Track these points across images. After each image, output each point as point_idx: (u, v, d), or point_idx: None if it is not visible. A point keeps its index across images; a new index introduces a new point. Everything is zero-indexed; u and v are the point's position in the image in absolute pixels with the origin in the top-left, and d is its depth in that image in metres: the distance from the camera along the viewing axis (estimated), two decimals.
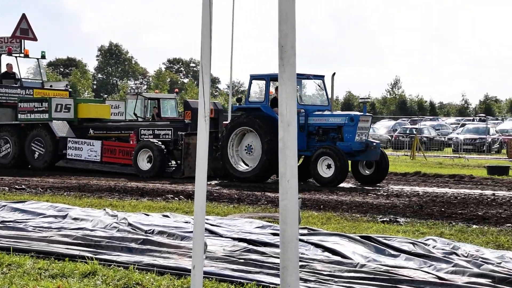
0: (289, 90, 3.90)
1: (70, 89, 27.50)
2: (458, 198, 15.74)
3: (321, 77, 20.36)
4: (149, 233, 9.18)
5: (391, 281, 6.78)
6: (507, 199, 15.70)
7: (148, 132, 21.74)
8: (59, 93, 25.29)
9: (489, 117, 55.24)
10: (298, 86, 19.28)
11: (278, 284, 4.54)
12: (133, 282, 6.73)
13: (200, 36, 5.11)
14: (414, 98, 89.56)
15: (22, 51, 24.47)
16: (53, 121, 22.32)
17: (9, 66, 24.94)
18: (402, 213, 13.00)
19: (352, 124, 18.83)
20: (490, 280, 6.81)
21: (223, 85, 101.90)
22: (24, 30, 24.30)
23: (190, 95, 69.03)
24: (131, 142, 21.56)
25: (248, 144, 19.54)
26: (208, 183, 16.61)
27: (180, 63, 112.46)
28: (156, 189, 17.00)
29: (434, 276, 7.02)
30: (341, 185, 18.57)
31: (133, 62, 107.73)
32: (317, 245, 8.43)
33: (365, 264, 7.47)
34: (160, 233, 9.18)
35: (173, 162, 21.99)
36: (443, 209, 13.57)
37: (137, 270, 7.19)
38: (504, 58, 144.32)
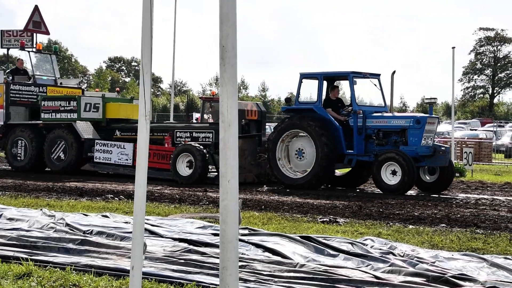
0: (230, 90, 3.89)
1: (82, 87, 26.18)
2: (396, 199, 15.90)
3: (377, 76, 19.22)
4: (88, 233, 9.09)
5: (330, 281, 6.83)
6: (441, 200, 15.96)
7: (185, 135, 20.41)
8: (72, 91, 23.84)
9: None
10: (354, 86, 18.15)
11: (218, 285, 4.51)
12: (70, 284, 6.64)
13: (141, 35, 5.06)
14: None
15: (34, 45, 23.32)
16: (77, 121, 20.86)
17: (19, 61, 23.69)
18: (342, 214, 13.09)
19: (418, 127, 17.60)
20: (425, 279, 6.91)
21: (165, 84, 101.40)
22: (36, 23, 23.27)
23: (131, 94, 68.64)
24: (165, 145, 20.19)
25: (299, 148, 18.39)
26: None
27: (122, 62, 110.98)
28: (96, 189, 16.79)
29: (371, 275, 7.09)
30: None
31: (73, 60, 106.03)
32: (257, 245, 8.46)
33: (304, 264, 7.51)
34: (99, 233, 9.11)
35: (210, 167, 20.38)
36: (381, 210, 13.71)
37: (74, 271, 7.10)
38: (439, 62, 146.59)
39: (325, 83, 18.74)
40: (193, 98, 73.25)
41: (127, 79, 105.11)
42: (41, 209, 11.16)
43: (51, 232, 9.19)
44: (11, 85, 22.02)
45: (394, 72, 19.36)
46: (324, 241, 8.70)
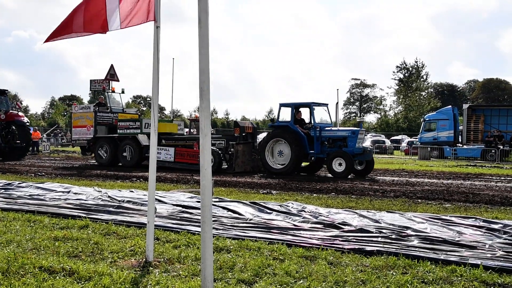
0: (206, 115, 3.99)
1: (139, 113, 25.93)
2: (306, 178, 16.01)
3: (325, 105, 18.90)
4: (122, 202, 9.06)
5: (267, 228, 6.95)
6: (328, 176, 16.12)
7: None
8: (133, 116, 23.96)
9: None
10: (313, 111, 17.97)
11: (200, 232, 4.63)
12: (112, 231, 6.70)
13: (152, 84, 5.17)
14: None
15: (110, 89, 23.47)
16: (139, 134, 20.73)
17: (100, 98, 23.83)
18: (274, 188, 13.12)
19: (354, 136, 17.34)
20: (322, 225, 7.07)
21: (167, 111, 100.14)
22: (111, 75, 23.35)
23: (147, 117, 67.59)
24: (194, 149, 19.72)
25: (280, 150, 17.99)
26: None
27: (141, 98, 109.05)
28: (127, 174, 16.68)
29: (291, 224, 7.23)
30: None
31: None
32: (224, 208, 8.51)
33: (252, 219, 7.60)
34: (128, 201, 9.07)
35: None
36: (297, 185, 13.78)
37: (114, 224, 7.15)
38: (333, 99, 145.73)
39: (287, 109, 18.52)
40: (184, 120, 72.81)
41: (144, 108, 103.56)
42: (93, 187, 11.11)
43: (99, 201, 9.18)
44: (97, 113, 22.43)
45: (337, 103, 19.84)
46: (264, 204, 8.75)
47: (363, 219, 7.49)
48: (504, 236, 6.32)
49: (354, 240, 6.17)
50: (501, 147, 30.80)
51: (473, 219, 7.39)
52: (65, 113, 75.38)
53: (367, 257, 5.42)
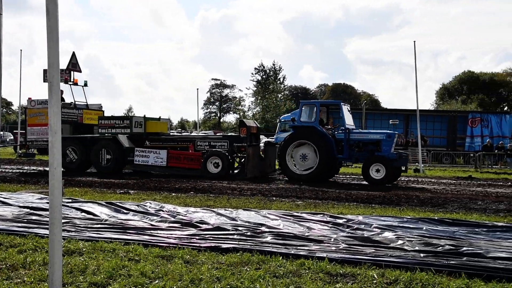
0: (55, 110, 3.80)
1: (103, 109, 22.10)
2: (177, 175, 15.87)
3: (348, 105, 17.07)
4: None
5: (123, 228, 6.81)
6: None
7: (204, 143, 17.18)
8: (98, 112, 20.62)
9: None
10: (343, 111, 15.92)
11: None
12: None
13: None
14: None
15: (72, 80, 19.86)
16: (119, 135, 17.74)
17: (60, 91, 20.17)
18: (132, 188, 12.82)
19: (390, 140, 15.59)
20: (180, 225, 7.09)
21: (14, 106, 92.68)
22: (74, 64, 19.81)
23: None
24: (190, 151, 17.25)
25: (303, 153, 15.90)
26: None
27: None
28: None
29: (149, 224, 7.17)
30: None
31: None
32: (77, 209, 8.20)
33: (107, 219, 7.41)
34: None
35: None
36: (156, 184, 13.63)
37: None
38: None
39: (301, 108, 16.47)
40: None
41: None
42: None
43: None
44: (62, 109, 19.03)
45: (365, 102, 17.44)
46: (120, 204, 8.60)
47: (220, 217, 7.65)
48: (347, 230, 6.86)
49: (211, 238, 6.26)
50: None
51: (321, 215, 7.92)
52: None
53: (223, 255, 5.53)
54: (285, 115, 40.52)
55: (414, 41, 21.65)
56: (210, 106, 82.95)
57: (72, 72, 19.75)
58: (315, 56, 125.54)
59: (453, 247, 5.69)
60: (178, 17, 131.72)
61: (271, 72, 69.71)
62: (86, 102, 20.73)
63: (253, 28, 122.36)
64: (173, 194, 11.57)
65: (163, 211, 8.21)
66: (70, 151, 18.10)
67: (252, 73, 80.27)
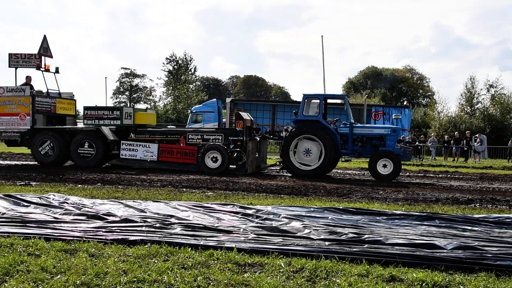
0: None
1: (75, 99, 19.61)
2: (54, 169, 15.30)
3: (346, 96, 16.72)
4: None
5: (23, 222, 6.49)
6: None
7: (196, 137, 16.37)
8: (71, 102, 18.79)
9: None
10: (348, 104, 15.67)
11: None
12: None
13: None
14: None
15: (44, 67, 17.69)
16: (102, 126, 16.26)
17: (28, 78, 17.61)
18: (35, 180, 12.21)
19: (394, 134, 15.34)
20: (86, 217, 6.84)
21: None
22: (45, 49, 17.60)
23: None
24: (181, 145, 16.10)
25: (306, 148, 15.39)
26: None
27: None
28: None
29: (52, 217, 6.86)
30: None
31: None
32: None
33: (5, 213, 6.98)
34: None
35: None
36: (61, 176, 13.08)
37: None
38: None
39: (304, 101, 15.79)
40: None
41: None
42: None
43: None
44: (36, 97, 17.05)
45: (367, 95, 17.43)
46: (20, 197, 8.14)
47: (128, 209, 7.47)
48: (256, 220, 6.96)
49: (118, 230, 6.09)
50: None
51: (231, 206, 7.97)
52: None
53: (130, 247, 5.40)
54: (197, 106, 40.36)
55: (322, 36, 22.51)
56: (120, 96, 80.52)
57: (43, 57, 18.17)
58: (227, 48, 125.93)
59: (356, 235, 5.94)
60: (83, 3, 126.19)
61: (183, 63, 68.93)
62: (59, 91, 19.07)
63: (163, 17, 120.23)
64: (79, 185, 11.18)
65: (67, 203, 7.89)
66: (46, 144, 16.78)
67: (163, 63, 78.83)
